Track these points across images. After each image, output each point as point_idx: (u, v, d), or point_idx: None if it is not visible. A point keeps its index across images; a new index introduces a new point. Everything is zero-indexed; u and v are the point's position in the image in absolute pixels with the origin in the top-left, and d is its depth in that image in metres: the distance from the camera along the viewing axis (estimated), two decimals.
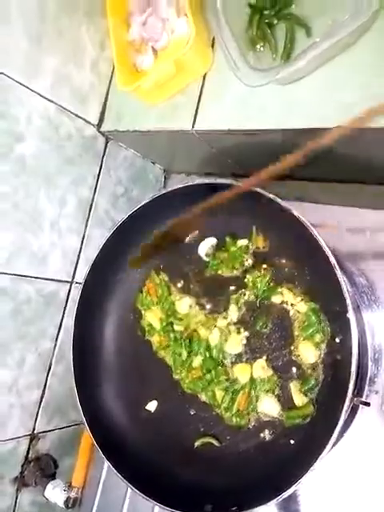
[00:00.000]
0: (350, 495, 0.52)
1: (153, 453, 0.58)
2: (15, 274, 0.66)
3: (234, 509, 0.44)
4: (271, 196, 0.47)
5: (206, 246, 0.62)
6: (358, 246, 0.57)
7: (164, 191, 0.59)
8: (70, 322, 0.74)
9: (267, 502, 0.43)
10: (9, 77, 0.60)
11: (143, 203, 0.60)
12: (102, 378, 0.64)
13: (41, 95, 0.64)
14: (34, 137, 0.64)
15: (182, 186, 0.56)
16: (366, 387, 0.49)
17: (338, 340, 0.45)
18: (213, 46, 0.62)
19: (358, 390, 0.50)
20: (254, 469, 0.50)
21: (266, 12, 0.56)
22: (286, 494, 0.42)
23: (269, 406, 0.50)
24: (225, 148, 0.67)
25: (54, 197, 0.69)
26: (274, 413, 0.50)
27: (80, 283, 0.73)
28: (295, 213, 0.45)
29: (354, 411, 0.50)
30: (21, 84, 0.61)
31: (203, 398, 0.57)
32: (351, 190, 0.66)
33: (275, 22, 0.56)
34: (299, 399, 0.49)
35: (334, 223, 0.59)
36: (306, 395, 0.49)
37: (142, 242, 0.65)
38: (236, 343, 0.55)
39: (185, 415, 0.58)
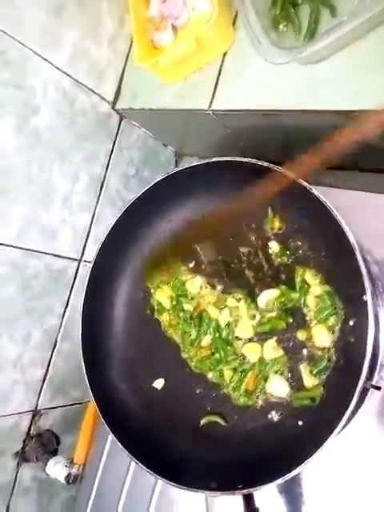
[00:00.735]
0: (354, 480, 0.52)
1: (158, 430, 0.58)
2: (25, 249, 0.66)
3: (239, 486, 0.45)
4: (291, 175, 0.46)
5: None
6: (372, 234, 0.57)
7: (175, 170, 0.58)
8: (76, 300, 0.75)
9: (272, 481, 0.43)
10: (27, 47, 0.59)
11: (154, 182, 0.60)
12: (110, 355, 0.64)
13: (57, 68, 0.63)
14: (48, 109, 0.64)
15: (195, 164, 0.56)
16: (377, 372, 0.49)
17: (351, 323, 0.45)
18: (234, 24, 0.61)
19: (370, 375, 0.50)
20: (260, 448, 0.50)
21: None
22: (291, 474, 0.42)
23: (278, 387, 0.50)
24: (240, 129, 0.67)
25: (66, 172, 0.69)
26: (283, 393, 0.50)
27: (89, 262, 0.73)
28: (316, 193, 0.45)
29: (363, 395, 0.50)
30: (38, 55, 0.61)
31: (211, 377, 0.57)
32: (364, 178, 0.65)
33: (299, 1, 0.55)
34: (309, 381, 0.48)
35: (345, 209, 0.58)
36: (316, 377, 0.48)
37: (152, 222, 0.65)
38: (247, 328, 0.55)
39: (192, 394, 0.57)
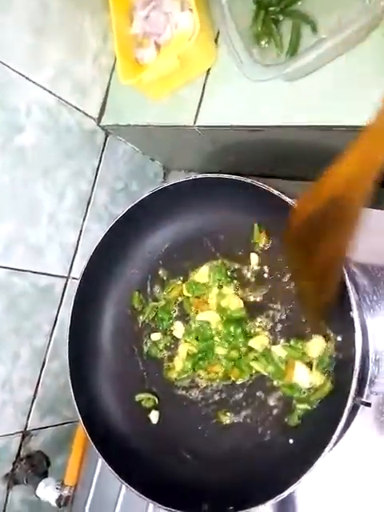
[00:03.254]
0: (347, 497, 0.52)
1: (149, 451, 0.57)
2: (10, 268, 0.65)
3: (230, 508, 0.44)
4: (276, 192, 0.47)
5: None
6: (360, 247, 0.57)
7: (164, 185, 0.59)
8: (65, 318, 0.73)
9: (264, 502, 0.42)
10: (10, 68, 0.59)
11: (142, 198, 0.60)
12: (97, 373, 0.63)
13: (42, 87, 0.63)
14: (33, 128, 0.63)
15: (183, 180, 0.56)
16: (367, 388, 0.49)
17: (339, 338, 0.45)
18: (216, 41, 0.62)
19: (359, 391, 0.49)
20: (251, 468, 0.49)
21: (271, 8, 0.56)
22: (283, 495, 0.41)
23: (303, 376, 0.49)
24: (226, 145, 0.67)
25: (52, 189, 0.68)
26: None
27: (76, 279, 0.72)
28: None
29: (353, 412, 0.49)
30: (22, 75, 0.60)
31: (199, 394, 0.57)
32: None
33: (281, 18, 0.56)
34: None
35: None
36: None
37: (139, 238, 0.65)
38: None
39: (181, 414, 0.57)
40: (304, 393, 0.48)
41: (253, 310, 0.56)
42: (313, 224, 0.38)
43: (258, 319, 0.55)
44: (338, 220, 0.37)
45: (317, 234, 0.38)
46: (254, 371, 0.53)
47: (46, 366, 0.74)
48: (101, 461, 0.68)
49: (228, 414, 0.54)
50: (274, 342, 0.53)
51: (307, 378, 0.48)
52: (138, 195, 0.63)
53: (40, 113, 0.64)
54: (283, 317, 0.53)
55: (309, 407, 0.48)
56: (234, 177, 0.53)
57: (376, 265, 0.53)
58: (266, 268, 0.57)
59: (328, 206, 0.36)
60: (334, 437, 0.39)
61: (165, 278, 0.64)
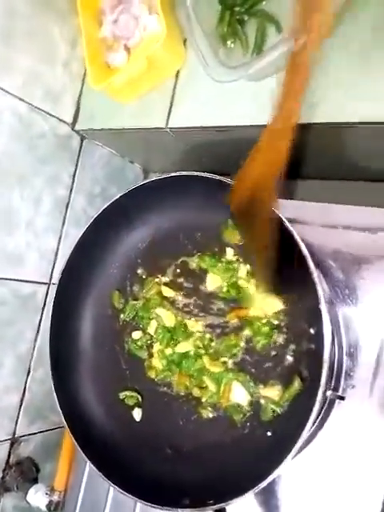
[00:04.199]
0: (330, 489, 0.53)
1: (132, 448, 0.57)
2: None
3: (210, 502, 0.45)
4: None
5: None
6: (337, 242, 0.58)
7: (137, 185, 0.59)
8: (48, 324, 0.74)
9: (241, 495, 0.43)
10: None
11: (116, 197, 0.60)
12: (80, 376, 0.63)
13: (11, 94, 0.63)
14: (5, 136, 0.63)
15: (155, 178, 0.56)
16: (342, 381, 0.50)
17: (312, 331, 0.46)
18: (185, 43, 0.62)
19: (335, 385, 0.50)
20: (231, 461, 0.50)
21: (236, 9, 0.57)
22: (258, 488, 0.42)
23: (240, 396, 0.51)
24: (199, 145, 0.67)
25: (28, 196, 0.68)
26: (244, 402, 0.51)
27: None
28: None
29: (331, 405, 0.50)
30: None
31: (180, 390, 0.58)
32: (330, 187, 0.67)
33: (246, 18, 0.57)
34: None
35: (309, 219, 0.59)
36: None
37: (117, 237, 0.65)
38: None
39: (163, 411, 0.58)
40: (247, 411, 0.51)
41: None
42: (244, 202, 0.45)
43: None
44: (259, 203, 0.44)
45: (249, 211, 0.45)
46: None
47: (31, 372, 0.75)
48: (89, 465, 0.69)
49: (208, 408, 0.55)
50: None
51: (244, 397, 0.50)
52: None
53: (11, 119, 0.64)
54: None
55: (278, 409, 0.49)
56: (205, 174, 0.53)
57: (349, 259, 0.54)
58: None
59: (250, 191, 0.44)
60: (305, 430, 0.40)
61: (144, 276, 0.64)
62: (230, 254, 0.58)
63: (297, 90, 0.40)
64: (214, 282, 0.58)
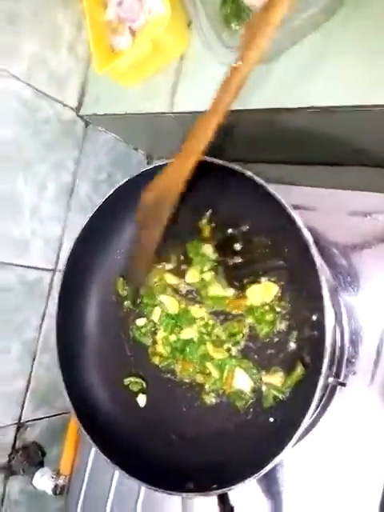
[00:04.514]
0: (331, 475, 0.53)
1: (136, 433, 0.58)
2: None
3: (214, 486, 0.45)
4: (248, 173, 0.47)
5: None
6: (341, 229, 0.57)
7: (141, 171, 0.58)
8: (54, 310, 0.74)
9: (244, 480, 0.43)
10: None
11: (120, 184, 0.60)
12: (86, 362, 0.64)
13: (17, 78, 0.63)
14: (10, 121, 0.63)
15: (159, 164, 0.56)
16: (344, 368, 0.49)
17: (314, 318, 0.45)
18: (190, 25, 0.61)
19: (337, 371, 0.50)
20: (234, 447, 0.50)
21: None
22: (262, 473, 0.42)
23: (244, 382, 0.51)
24: None
25: (33, 182, 0.68)
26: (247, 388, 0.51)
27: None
28: (270, 190, 0.45)
29: (332, 391, 0.50)
30: None
31: (183, 377, 0.58)
32: (334, 172, 0.66)
33: None
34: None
35: (313, 205, 0.59)
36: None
37: (122, 223, 0.65)
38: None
39: (167, 397, 0.58)
40: (250, 398, 0.51)
41: None
42: (147, 207, 0.54)
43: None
44: (157, 210, 0.53)
45: (148, 214, 0.54)
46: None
47: (37, 358, 0.75)
48: (94, 450, 0.70)
49: (211, 395, 0.55)
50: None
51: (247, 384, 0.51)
52: None
53: (17, 105, 0.63)
54: None
55: (280, 395, 0.49)
56: (209, 159, 0.52)
57: (352, 245, 0.53)
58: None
59: (154, 198, 0.52)
60: (307, 416, 0.39)
61: None
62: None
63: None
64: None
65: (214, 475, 0.47)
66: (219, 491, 0.45)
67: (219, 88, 0.43)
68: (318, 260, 0.40)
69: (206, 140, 0.46)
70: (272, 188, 0.45)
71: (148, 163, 0.88)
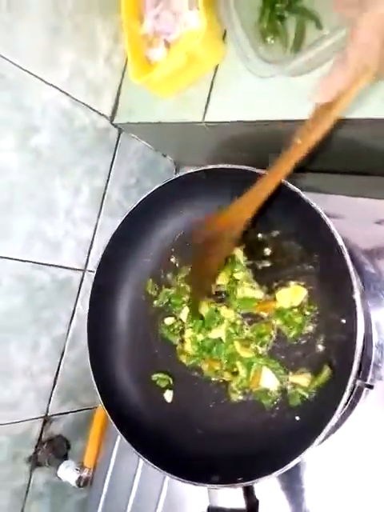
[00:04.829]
0: (354, 477, 0.54)
1: (163, 427, 0.60)
2: (30, 261, 0.69)
3: (239, 479, 0.47)
4: (282, 180, 0.49)
5: None
6: (368, 237, 0.59)
7: (174, 177, 0.61)
8: (82, 309, 0.77)
9: (269, 474, 0.45)
10: (25, 70, 0.62)
11: (153, 189, 0.62)
12: (115, 358, 0.66)
13: (56, 88, 0.66)
14: (48, 128, 0.66)
15: (192, 171, 0.58)
16: (370, 372, 0.51)
17: (343, 321, 0.47)
18: (224, 38, 0.64)
19: (363, 375, 0.51)
20: (259, 443, 0.52)
21: (277, 5, 0.58)
22: (287, 468, 0.44)
23: (270, 381, 0.53)
24: (235, 140, 0.69)
25: (68, 186, 0.71)
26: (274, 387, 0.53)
27: (92, 271, 0.76)
28: (304, 196, 0.47)
29: (358, 394, 0.52)
30: (37, 77, 0.63)
31: (210, 374, 0.60)
32: (358, 182, 0.67)
33: (286, 14, 0.58)
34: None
35: (340, 213, 0.60)
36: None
37: (151, 228, 0.68)
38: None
39: (194, 393, 0.60)
40: (276, 397, 0.53)
41: None
42: (205, 242, 0.56)
43: None
44: (215, 247, 0.55)
45: (206, 250, 0.56)
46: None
47: (65, 354, 0.78)
48: (118, 444, 0.72)
49: (238, 392, 0.56)
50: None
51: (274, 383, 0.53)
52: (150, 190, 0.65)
53: (55, 113, 0.67)
54: None
55: (307, 395, 0.50)
56: (240, 167, 0.55)
57: (380, 254, 0.55)
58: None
59: (211, 236, 0.54)
60: (335, 417, 0.41)
61: (177, 265, 0.66)
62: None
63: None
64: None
65: (239, 469, 0.49)
66: (244, 484, 0.47)
67: (279, 160, 0.47)
68: (351, 265, 0.41)
69: (266, 192, 0.48)
70: (306, 196, 0.47)
71: (176, 170, 0.90)
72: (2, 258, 0.65)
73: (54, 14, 0.64)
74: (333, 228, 0.44)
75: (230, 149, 0.72)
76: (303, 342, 0.52)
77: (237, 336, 0.56)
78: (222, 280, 0.59)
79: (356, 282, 0.41)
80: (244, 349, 0.55)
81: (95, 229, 0.78)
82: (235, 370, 0.56)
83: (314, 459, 0.55)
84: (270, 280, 0.56)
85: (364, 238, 0.59)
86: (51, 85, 0.65)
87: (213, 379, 0.59)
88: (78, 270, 0.77)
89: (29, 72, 0.62)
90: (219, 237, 0.54)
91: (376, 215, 0.58)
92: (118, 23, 0.70)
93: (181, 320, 0.63)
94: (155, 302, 0.67)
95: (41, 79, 0.64)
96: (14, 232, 0.65)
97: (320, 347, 0.51)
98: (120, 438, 0.56)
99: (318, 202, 0.49)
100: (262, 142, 0.65)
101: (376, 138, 0.57)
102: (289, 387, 0.52)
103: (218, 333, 0.58)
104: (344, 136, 0.57)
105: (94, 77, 0.71)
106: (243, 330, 0.56)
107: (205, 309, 0.60)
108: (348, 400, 0.48)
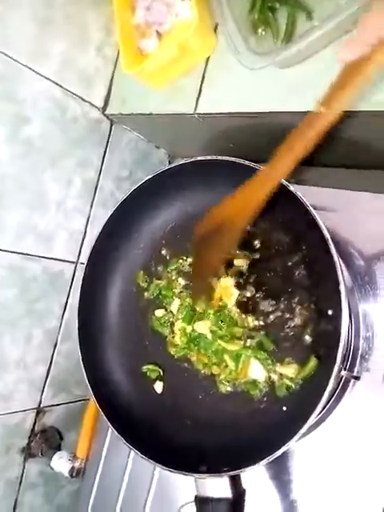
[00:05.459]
0: (341, 468, 0.55)
1: (153, 417, 0.61)
2: (22, 253, 0.69)
3: (226, 469, 0.47)
4: None
5: None
6: (359, 230, 0.59)
7: (164, 168, 0.61)
8: (75, 301, 0.76)
9: (255, 464, 0.45)
10: (16, 60, 0.61)
11: (144, 181, 0.62)
12: (106, 349, 0.67)
13: (47, 78, 0.66)
14: (40, 119, 0.66)
15: (182, 162, 0.58)
16: (357, 364, 0.51)
17: (330, 312, 0.47)
18: (216, 29, 0.63)
19: (350, 366, 0.52)
20: (246, 433, 0.52)
21: None
22: (273, 457, 0.45)
23: (258, 372, 0.54)
24: (226, 131, 0.69)
25: (60, 178, 0.71)
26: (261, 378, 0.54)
27: (84, 264, 0.76)
28: (292, 189, 0.47)
29: (345, 385, 0.52)
30: (27, 67, 0.63)
31: (199, 366, 0.60)
32: (348, 175, 0.67)
33: (277, 6, 0.57)
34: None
35: (334, 206, 0.61)
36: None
37: (142, 220, 0.68)
38: None
39: (183, 384, 0.61)
40: (264, 388, 0.54)
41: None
42: (206, 236, 0.53)
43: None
44: (221, 237, 0.52)
45: (207, 243, 0.53)
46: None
47: (57, 346, 0.78)
48: (110, 435, 0.73)
49: (226, 383, 0.57)
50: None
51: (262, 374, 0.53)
52: None
53: (47, 104, 0.66)
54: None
55: (293, 385, 0.51)
56: (230, 158, 0.55)
57: (370, 246, 0.55)
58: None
59: (216, 226, 0.51)
60: (319, 407, 0.42)
61: (168, 257, 0.67)
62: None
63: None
64: None
65: (226, 458, 0.50)
66: (230, 473, 0.47)
67: (301, 126, 0.43)
68: (336, 256, 0.42)
69: (281, 172, 0.45)
70: (292, 188, 0.47)
71: (169, 162, 0.90)
72: None
73: (45, 4, 0.63)
74: (319, 220, 0.44)
75: (223, 140, 0.72)
76: (291, 333, 0.53)
77: (221, 331, 0.57)
78: None
79: (342, 274, 0.41)
80: (230, 343, 0.56)
81: (87, 221, 0.78)
82: (224, 364, 0.57)
83: (301, 450, 0.56)
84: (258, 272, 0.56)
85: (354, 231, 0.59)
86: (42, 76, 0.65)
87: (202, 371, 0.60)
88: (71, 262, 0.77)
89: (20, 63, 0.62)
90: (223, 227, 0.50)
91: (367, 208, 0.58)
92: (109, 14, 0.69)
93: (171, 312, 0.64)
94: (146, 294, 0.67)
95: (32, 70, 0.64)
96: (5, 224, 0.65)
97: (307, 338, 0.51)
98: (111, 429, 0.57)
99: (310, 195, 0.50)
100: (253, 133, 0.65)
101: (372, 132, 0.57)
102: (276, 378, 0.52)
103: (202, 327, 0.58)
104: (342, 131, 0.57)
105: (85, 68, 0.71)
106: (230, 322, 0.57)
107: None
108: (334, 391, 0.49)
